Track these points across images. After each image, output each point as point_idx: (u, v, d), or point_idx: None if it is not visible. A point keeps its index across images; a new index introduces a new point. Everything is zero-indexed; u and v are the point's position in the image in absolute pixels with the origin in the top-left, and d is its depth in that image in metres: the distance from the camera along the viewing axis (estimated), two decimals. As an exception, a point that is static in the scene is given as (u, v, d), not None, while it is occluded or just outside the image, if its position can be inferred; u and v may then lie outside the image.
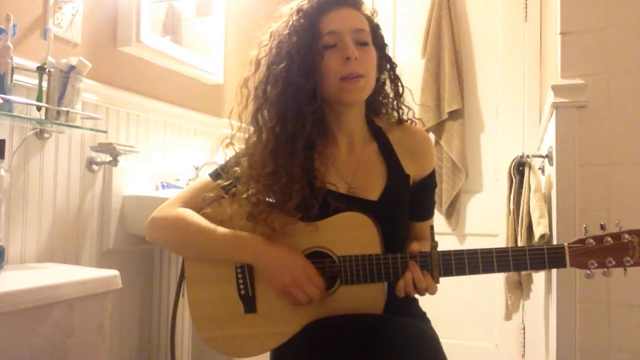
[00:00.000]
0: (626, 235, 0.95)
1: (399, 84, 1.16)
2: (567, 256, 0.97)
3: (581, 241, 0.97)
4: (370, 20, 1.11)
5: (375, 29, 1.11)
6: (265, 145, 1.03)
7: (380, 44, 1.12)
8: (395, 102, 1.16)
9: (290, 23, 1.04)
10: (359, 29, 1.05)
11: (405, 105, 1.17)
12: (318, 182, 1.06)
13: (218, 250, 1.06)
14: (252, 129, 1.08)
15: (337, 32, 1.03)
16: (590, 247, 0.96)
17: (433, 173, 1.17)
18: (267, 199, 1.04)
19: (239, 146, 1.13)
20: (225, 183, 1.11)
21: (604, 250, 0.96)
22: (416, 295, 1.04)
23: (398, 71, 1.16)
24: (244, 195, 1.05)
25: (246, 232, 1.04)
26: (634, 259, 0.95)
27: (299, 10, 1.05)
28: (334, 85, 1.03)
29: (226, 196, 1.09)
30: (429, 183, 1.16)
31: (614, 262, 0.95)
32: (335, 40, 1.03)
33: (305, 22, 1.03)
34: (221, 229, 1.05)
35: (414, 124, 1.18)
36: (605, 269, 0.96)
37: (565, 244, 0.97)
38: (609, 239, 0.96)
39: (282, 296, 1.01)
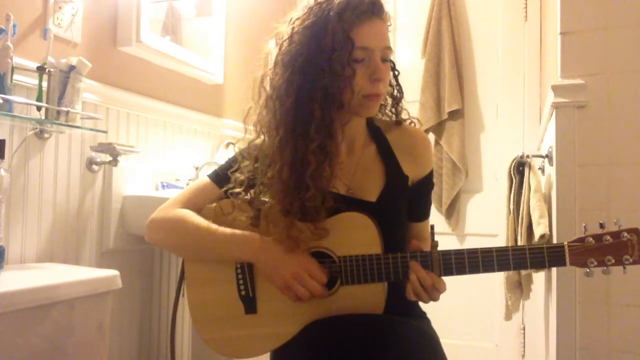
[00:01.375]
0: (625, 234, 0.96)
1: (399, 87, 1.16)
2: (566, 255, 0.97)
3: (581, 240, 0.97)
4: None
5: None
6: (282, 148, 1.00)
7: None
8: (396, 105, 1.16)
9: (318, 13, 0.98)
10: (387, 47, 1.03)
11: (406, 109, 1.17)
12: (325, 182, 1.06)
13: (217, 249, 1.06)
14: (267, 125, 1.03)
15: (369, 48, 1.00)
16: (589, 245, 0.97)
17: (431, 173, 1.17)
18: (280, 192, 1.02)
19: (239, 146, 1.13)
20: (233, 188, 1.09)
21: (603, 249, 0.96)
22: (430, 303, 1.03)
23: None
24: (258, 194, 1.04)
25: (245, 231, 1.04)
26: (633, 257, 0.95)
27: (330, 10, 0.98)
28: (356, 100, 1.01)
29: (229, 197, 1.09)
30: (427, 183, 1.17)
31: (613, 261, 0.96)
32: (365, 56, 1.00)
33: (338, 24, 0.97)
34: (220, 229, 1.05)
35: (412, 123, 1.18)
36: (605, 268, 0.96)
37: (565, 243, 0.97)
38: (609, 237, 0.96)
39: (283, 291, 1.01)
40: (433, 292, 1.00)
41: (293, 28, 1.01)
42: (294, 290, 1.00)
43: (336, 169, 1.03)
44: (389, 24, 1.05)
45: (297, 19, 1.01)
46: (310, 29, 0.99)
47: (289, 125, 1.00)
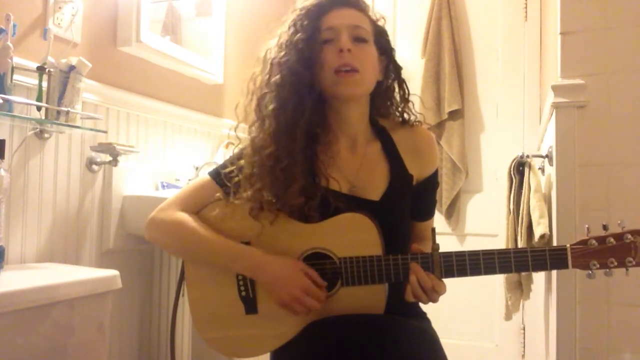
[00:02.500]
0: (629, 236, 0.95)
1: (406, 88, 1.16)
2: (569, 257, 0.96)
3: (583, 242, 0.97)
4: (374, 24, 1.12)
5: (380, 33, 1.12)
6: (267, 129, 1.04)
7: (384, 48, 1.13)
8: (402, 107, 1.16)
9: (292, 20, 1.07)
10: (357, 25, 1.06)
11: (414, 113, 1.17)
12: (322, 178, 1.06)
13: (216, 261, 1.07)
14: (254, 116, 1.08)
15: (334, 27, 1.05)
16: (592, 248, 0.96)
17: (436, 173, 1.17)
18: (268, 184, 1.03)
19: (240, 140, 1.13)
20: (229, 169, 1.10)
21: (606, 251, 0.95)
22: (430, 303, 1.03)
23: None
24: (247, 188, 1.05)
25: (244, 245, 1.05)
26: (636, 259, 0.94)
27: (302, 9, 1.07)
28: (329, 77, 1.04)
29: (230, 190, 1.09)
30: (431, 183, 1.17)
31: (615, 263, 0.95)
32: (333, 36, 1.05)
33: (307, 20, 1.06)
34: (219, 240, 1.05)
35: (418, 122, 1.18)
36: (607, 270, 0.96)
37: (568, 245, 0.97)
38: (612, 239, 0.95)
39: (282, 308, 1.02)
40: (432, 294, 1.00)
41: (279, 38, 1.08)
42: (293, 309, 1.00)
43: (331, 158, 1.07)
44: (368, 13, 1.11)
45: (283, 31, 1.09)
46: (289, 34, 1.06)
47: (277, 107, 1.04)
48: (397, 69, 1.15)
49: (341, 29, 1.05)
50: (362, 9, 1.10)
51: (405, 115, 1.16)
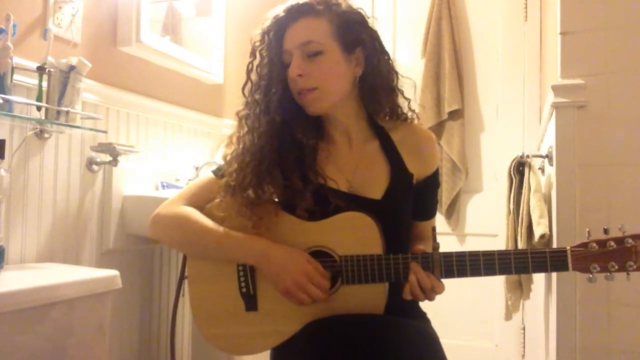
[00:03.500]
0: (629, 240, 0.95)
1: (395, 74, 1.13)
2: (569, 260, 0.96)
3: (584, 245, 0.96)
4: (337, 19, 1.06)
5: (343, 27, 1.07)
6: (257, 142, 1.06)
7: (355, 40, 1.07)
8: (398, 103, 1.15)
9: (262, 37, 1.09)
10: (305, 42, 1.05)
11: (411, 110, 1.16)
12: (319, 178, 1.06)
13: (220, 251, 1.06)
14: (244, 128, 1.10)
15: (287, 50, 1.07)
16: (593, 251, 0.96)
17: (437, 172, 1.17)
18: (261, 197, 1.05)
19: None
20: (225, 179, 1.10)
21: (606, 255, 0.95)
22: (426, 301, 1.04)
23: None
24: (239, 190, 1.06)
25: (249, 234, 1.04)
26: (637, 263, 0.94)
27: (268, 28, 1.08)
28: (296, 98, 1.08)
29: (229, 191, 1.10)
30: (432, 182, 1.16)
31: (616, 267, 0.95)
32: (289, 58, 1.07)
33: (272, 39, 1.07)
34: (224, 230, 1.06)
35: (417, 121, 1.18)
36: (608, 274, 0.96)
37: (568, 248, 0.97)
38: (612, 243, 0.95)
39: (285, 296, 1.01)
40: (430, 294, 1.00)
41: (255, 46, 1.10)
42: (295, 296, 1.00)
43: (327, 157, 1.09)
44: (319, 14, 1.06)
45: (256, 42, 1.10)
46: (261, 55, 1.09)
47: (264, 124, 1.07)
48: (377, 52, 1.10)
49: (292, 51, 1.06)
50: (316, 13, 1.06)
51: (402, 113, 1.15)
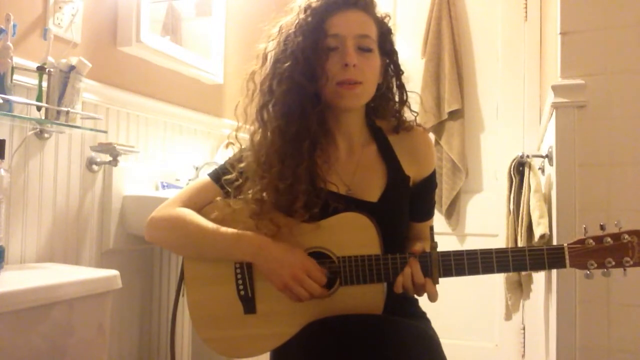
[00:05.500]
0: (626, 236, 0.95)
1: (404, 92, 1.15)
2: (566, 257, 0.96)
3: (581, 242, 0.97)
4: (381, 24, 1.10)
5: (384, 35, 1.11)
6: (271, 144, 1.03)
7: (388, 50, 1.12)
8: (399, 108, 1.15)
9: (297, 21, 1.04)
10: (363, 35, 1.04)
11: (413, 111, 1.16)
12: (320, 181, 1.06)
13: (217, 248, 1.06)
14: (256, 124, 1.07)
15: (340, 35, 1.03)
16: (589, 247, 0.96)
17: (433, 174, 1.17)
18: (272, 200, 1.04)
19: (241, 144, 1.12)
20: (230, 176, 1.10)
21: (603, 251, 0.96)
22: (415, 296, 1.04)
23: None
24: (250, 192, 1.05)
25: (246, 231, 1.04)
26: (633, 259, 0.95)
27: (306, 8, 1.04)
28: (332, 88, 1.03)
29: (229, 191, 1.09)
30: (429, 184, 1.16)
31: (613, 263, 0.95)
32: (337, 44, 1.03)
33: (312, 21, 1.02)
34: (220, 228, 1.05)
35: (414, 121, 1.17)
36: (605, 270, 0.96)
37: (565, 245, 0.97)
38: (609, 239, 0.96)
39: (282, 292, 1.01)
40: (420, 290, 1.00)
41: (280, 29, 1.05)
42: (293, 291, 1.00)
43: (330, 162, 1.07)
44: (376, 14, 1.08)
45: (285, 23, 1.05)
46: (292, 29, 1.03)
47: (281, 122, 1.02)
48: (397, 69, 1.14)
49: (347, 38, 1.02)
50: (369, 11, 1.07)
51: (402, 118, 1.15)
